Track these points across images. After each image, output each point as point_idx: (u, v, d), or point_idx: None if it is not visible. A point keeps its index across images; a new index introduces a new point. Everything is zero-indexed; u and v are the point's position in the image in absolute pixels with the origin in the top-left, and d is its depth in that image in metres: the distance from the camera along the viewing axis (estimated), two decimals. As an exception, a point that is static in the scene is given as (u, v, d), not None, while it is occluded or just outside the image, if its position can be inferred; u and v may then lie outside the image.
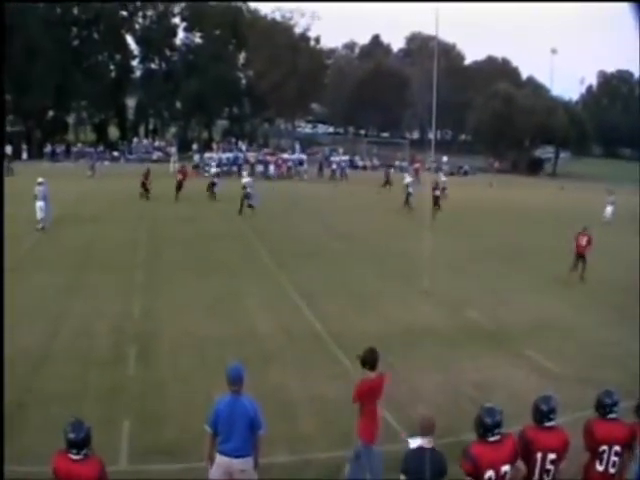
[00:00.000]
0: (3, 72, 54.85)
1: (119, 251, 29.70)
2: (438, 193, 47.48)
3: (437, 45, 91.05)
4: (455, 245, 35.60)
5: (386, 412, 14.02)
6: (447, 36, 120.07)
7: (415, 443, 8.84)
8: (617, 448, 9.48)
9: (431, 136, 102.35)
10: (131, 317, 20.11)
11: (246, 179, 46.25)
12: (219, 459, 9.72)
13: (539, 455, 9.00)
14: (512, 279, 28.92)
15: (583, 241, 30.53)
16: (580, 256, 30.11)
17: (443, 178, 56.66)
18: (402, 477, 8.54)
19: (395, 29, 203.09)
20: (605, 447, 9.47)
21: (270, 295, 23.33)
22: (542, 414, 9.20)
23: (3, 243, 19.55)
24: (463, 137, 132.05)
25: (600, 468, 9.52)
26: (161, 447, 12.32)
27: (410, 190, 51.52)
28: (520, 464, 8.95)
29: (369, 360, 11.01)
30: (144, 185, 46.63)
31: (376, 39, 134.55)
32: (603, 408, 9.59)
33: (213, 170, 53.84)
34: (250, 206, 42.21)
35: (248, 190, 43.62)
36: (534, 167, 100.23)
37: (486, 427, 8.57)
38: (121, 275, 25.19)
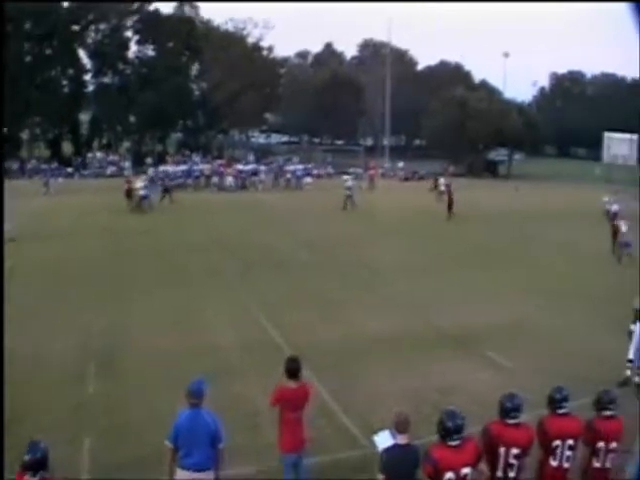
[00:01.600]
0: (3, 72, 54.57)
1: (80, 266, 29.55)
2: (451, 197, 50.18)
3: (390, 51, 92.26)
4: (416, 250, 35.94)
5: (346, 418, 14.37)
6: (400, 42, 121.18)
7: (385, 442, 9.07)
8: (570, 442, 9.75)
9: (385, 142, 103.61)
10: (93, 332, 20.05)
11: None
12: (180, 474, 9.69)
13: (502, 450, 9.27)
14: (475, 282, 29.02)
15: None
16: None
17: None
18: (380, 477, 8.70)
19: (347, 36, 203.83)
20: (558, 442, 9.73)
21: (232, 307, 23.34)
22: (506, 411, 9.45)
23: (3, 243, 19.46)
24: (418, 142, 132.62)
25: (554, 463, 9.78)
26: (123, 462, 12.30)
27: (350, 193, 52.87)
28: (483, 467, 9.18)
29: (289, 369, 10.94)
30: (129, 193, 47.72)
31: (329, 47, 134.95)
32: (554, 403, 9.89)
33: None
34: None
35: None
36: (489, 169, 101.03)
37: (447, 430, 8.73)
38: (84, 290, 25.05)
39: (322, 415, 14.17)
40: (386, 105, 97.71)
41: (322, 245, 36.28)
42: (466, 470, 8.72)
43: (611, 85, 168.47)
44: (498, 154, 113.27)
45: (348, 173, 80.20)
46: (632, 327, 17.62)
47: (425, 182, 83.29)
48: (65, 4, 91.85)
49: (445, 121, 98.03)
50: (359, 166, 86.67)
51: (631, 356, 17.41)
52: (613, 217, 41.58)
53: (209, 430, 9.65)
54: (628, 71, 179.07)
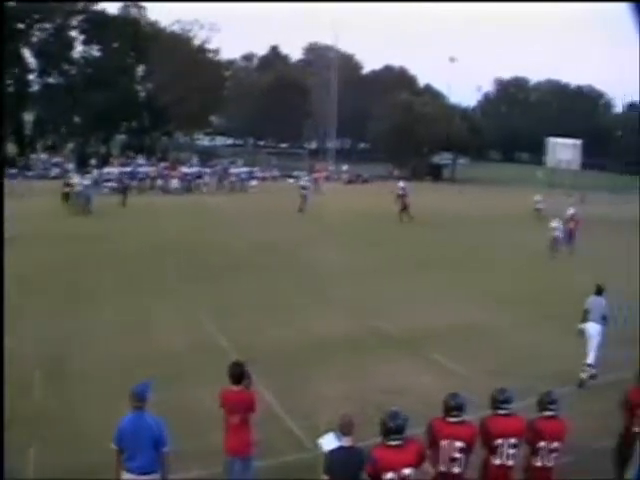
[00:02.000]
0: (3, 71, 53.82)
1: (31, 271, 28.66)
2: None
3: (335, 55, 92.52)
4: (365, 253, 36.32)
5: (292, 421, 14.48)
6: (345, 46, 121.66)
7: (330, 444, 9.18)
8: (513, 441, 9.99)
9: (330, 145, 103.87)
10: (41, 339, 19.72)
11: (304, 182, 53.82)
12: (125, 477, 9.65)
13: (445, 443, 9.57)
14: (422, 285, 29.30)
15: None
16: None
17: (303, 182, 57.77)
18: (324, 478, 8.82)
19: (293, 40, 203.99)
20: (501, 441, 9.97)
21: (183, 311, 23.29)
22: (449, 409, 9.72)
23: (3, 244, 19.32)
24: (362, 145, 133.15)
25: (497, 462, 10.04)
26: (71, 470, 12.19)
27: (305, 192, 53.83)
28: (427, 467, 9.46)
29: (232, 374, 10.97)
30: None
31: (275, 50, 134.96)
32: (496, 404, 10.17)
33: (76, 180, 51.90)
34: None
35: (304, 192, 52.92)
36: (433, 173, 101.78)
37: (388, 430, 8.90)
38: (33, 297, 24.48)
39: (268, 418, 14.09)
40: (331, 108, 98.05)
41: (270, 248, 36.24)
42: (407, 471, 8.86)
43: (555, 91, 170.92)
44: (442, 158, 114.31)
45: (292, 176, 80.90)
46: (580, 326, 18.59)
47: (370, 185, 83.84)
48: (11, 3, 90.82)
49: (390, 125, 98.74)
50: (304, 169, 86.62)
51: (590, 361, 18.34)
52: (570, 218, 43.96)
53: (152, 433, 9.64)
54: (573, 78, 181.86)
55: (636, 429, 11.84)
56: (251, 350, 17.68)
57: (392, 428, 8.93)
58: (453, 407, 9.78)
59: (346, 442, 8.97)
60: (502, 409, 10.16)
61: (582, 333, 18.72)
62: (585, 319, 18.70)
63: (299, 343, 20.09)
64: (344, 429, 9.02)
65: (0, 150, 51.12)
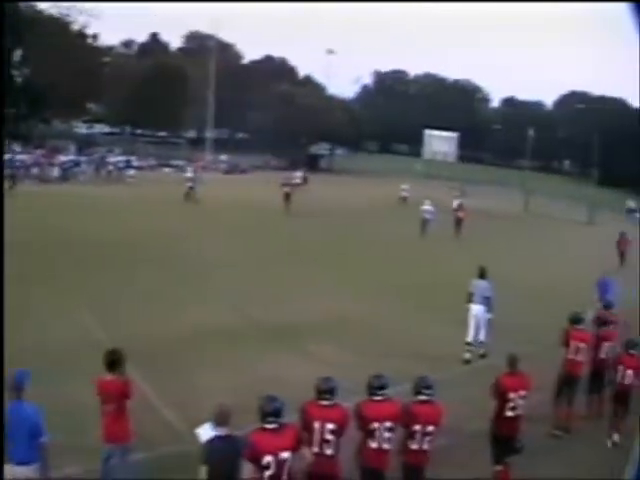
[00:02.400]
0: (3, 71, 52.28)
1: None
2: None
3: (215, 44, 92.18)
4: (243, 244, 36.50)
5: (170, 413, 14.64)
6: (226, 35, 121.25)
7: (207, 434, 9.43)
8: (388, 424, 10.44)
9: (209, 135, 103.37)
10: None
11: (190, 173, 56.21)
12: (6, 468, 9.45)
13: (317, 425, 9.95)
14: (298, 277, 29.75)
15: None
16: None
17: (189, 174, 58.55)
18: (202, 468, 8.93)
19: (174, 27, 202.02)
20: (376, 425, 10.40)
21: (62, 305, 22.80)
22: (320, 392, 10.17)
23: (3, 244, 19.04)
24: (241, 135, 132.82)
25: (374, 445, 10.47)
26: None
27: (192, 184, 54.48)
28: (305, 451, 9.72)
29: (106, 362, 11.00)
30: None
31: (155, 37, 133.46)
32: (371, 390, 10.60)
33: None
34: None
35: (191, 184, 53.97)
36: (311, 163, 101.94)
37: (264, 414, 9.22)
38: None
39: (147, 410, 14.29)
40: (210, 97, 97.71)
41: (147, 239, 35.99)
42: (285, 454, 9.14)
43: (433, 84, 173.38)
44: (320, 148, 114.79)
45: (170, 165, 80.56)
46: (467, 306, 20.83)
47: (248, 175, 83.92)
48: None
49: (268, 115, 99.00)
50: (182, 158, 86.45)
51: (469, 339, 20.54)
52: (457, 208, 50.27)
53: (30, 423, 9.53)
54: (451, 72, 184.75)
55: (508, 414, 12.52)
56: (129, 342, 17.36)
57: (268, 411, 9.25)
58: (325, 390, 10.18)
59: (223, 431, 9.17)
60: (377, 395, 10.59)
61: (468, 314, 20.74)
62: (469, 301, 20.80)
63: (177, 335, 20.22)
64: (220, 419, 9.23)
65: (0, 148, 49.72)
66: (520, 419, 12.71)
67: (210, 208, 49.91)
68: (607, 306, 19.61)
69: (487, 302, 20.65)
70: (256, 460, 9.08)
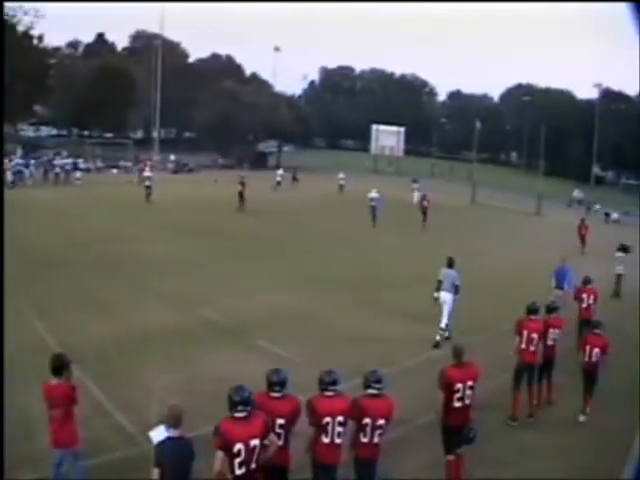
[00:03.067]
0: (3, 71, 51.36)
1: None
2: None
3: (161, 43, 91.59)
4: (191, 243, 36.41)
5: (122, 416, 14.58)
6: (172, 34, 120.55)
7: (160, 435, 9.40)
8: (340, 419, 10.63)
9: (156, 135, 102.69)
10: None
11: (148, 172, 56.07)
12: None
13: (267, 418, 9.88)
14: (247, 273, 30.00)
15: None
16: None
17: (147, 173, 58.50)
18: (155, 470, 9.06)
19: (119, 27, 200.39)
20: (328, 419, 10.58)
21: (6, 310, 22.17)
22: (271, 384, 10.41)
23: (3, 244, 18.76)
24: (188, 134, 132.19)
25: (326, 440, 10.65)
26: None
27: (149, 183, 54.48)
28: (272, 437, 9.82)
29: (51, 366, 11.01)
30: None
31: (101, 37, 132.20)
32: (322, 385, 10.79)
33: None
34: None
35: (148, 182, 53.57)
36: (259, 161, 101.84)
37: (233, 403, 9.43)
38: None
39: (97, 414, 14.33)
40: (157, 97, 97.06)
41: (95, 242, 35.68)
42: (255, 442, 9.36)
43: (380, 79, 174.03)
44: (268, 146, 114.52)
45: (118, 167, 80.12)
46: (435, 295, 22.07)
47: (196, 175, 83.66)
48: None
49: (215, 114, 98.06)
50: (129, 159, 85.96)
51: (443, 325, 21.77)
52: (422, 198, 54.37)
53: None
54: (397, 67, 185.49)
55: (456, 404, 12.71)
56: (79, 346, 17.67)
57: (237, 400, 9.44)
58: (275, 382, 10.38)
59: (175, 433, 9.27)
60: (329, 390, 10.76)
61: (436, 300, 22.09)
62: (439, 288, 22.04)
63: (127, 337, 20.19)
64: (172, 420, 9.31)
65: None
66: (469, 409, 12.89)
67: (159, 208, 49.83)
68: (585, 282, 22.30)
69: (455, 290, 21.99)
70: (227, 448, 9.24)
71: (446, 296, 22.05)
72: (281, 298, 25.85)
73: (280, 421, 10.24)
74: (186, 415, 9.44)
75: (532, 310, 16.80)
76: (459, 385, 12.68)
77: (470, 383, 12.77)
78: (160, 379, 16.64)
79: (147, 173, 58.22)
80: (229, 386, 9.78)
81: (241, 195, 52.68)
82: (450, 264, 22.54)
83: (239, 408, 9.44)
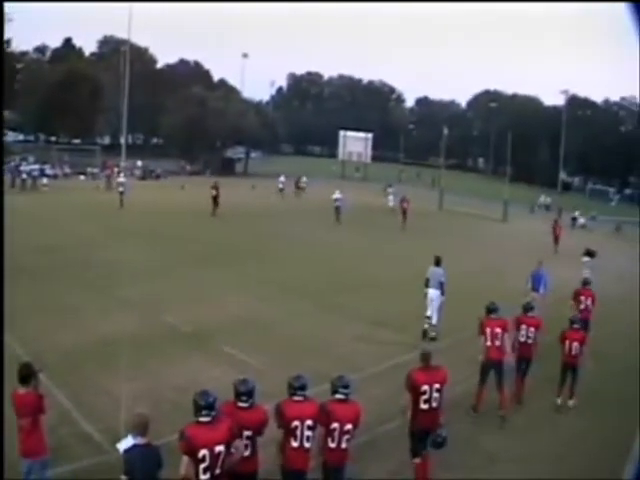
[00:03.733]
0: (3, 72, 50.99)
1: None
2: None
3: (129, 48, 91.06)
4: (156, 250, 36.25)
5: (88, 425, 14.47)
6: (140, 40, 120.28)
7: (127, 443, 9.43)
8: (309, 423, 10.72)
9: (123, 141, 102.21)
10: None
11: (122, 179, 56.93)
12: None
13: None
14: (211, 280, 29.89)
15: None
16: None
17: (122, 179, 58.44)
18: (123, 478, 9.04)
19: (87, 32, 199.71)
20: (297, 423, 10.66)
21: None
22: (238, 394, 10.46)
23: (3, 243, 18.62)
24: (155, 140, 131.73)
25: (295, 444, 10.72)
26: None
27: (122, 189, 54.68)
28: (238, 443, 9.93)
29: (19, 376, 11.04)
30: None
31: (68, 42, 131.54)
32: (291, 390, 10.95)
33: None
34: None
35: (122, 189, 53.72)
36: (226, 167, 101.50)
37: (198, 408, 9.50)
38: None
39: (63, 423, 14.25)
40: (124, 103, 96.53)
41: (62, 249, 35.40)
42: (220, 448, 9.44)
43: (348, 86, 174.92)
44: (235, 152, 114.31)
45: (85, 173, 79.81)
46: (425, 291, 23.48)
47: (163, 181, 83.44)
48: None
49: (182, 119, 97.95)
50: (96, 165, 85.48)
51: (434, 322, 23.27)
52: (402, 200, 57.96)
53: None
54: (365, 73, 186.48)
55: (423, 407, 12.83)
56: (46, 355, 17.30)
57: (202, 405, 9.52)
58: (243, 393, 10.45)
59: (141, 441, 9.24)
60: (297, 395, 10.85)
61: (425, 296, 23.42)
62: (427, 285, 23.47)
63: (93, 345, 20.00)
64: (138, 428, 9.30)
65: (0, 149, 48.57)
66: (437, 412, 12.99)
67: (127, 214, 49.56)
68: (585, 283, 23.26)
69: (441, 287, 23.36)
70: (192, 453, 9.28)
71: (433, 293, 23.35)
72: (246, 304, 25.79)
73: (247, 432, 10.30)
74: (152, 422, 9.44)
75: (491, 310, 17.39)
76: (425, 387, 12.82)
77: (437, 386, 12.89)
78: (126, 387, 16.14)
79: (121, 179, 58.39)
80: (194, 393, 9.80)
81: (215, 200, 53.02)
82: (437, 262, 23.87)
83: (204, 413, 9.50)
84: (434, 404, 12.91)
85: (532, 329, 17.90)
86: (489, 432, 16.08)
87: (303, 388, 10.96)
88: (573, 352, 17.72)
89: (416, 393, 12.86)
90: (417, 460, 13.12)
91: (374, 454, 14.01)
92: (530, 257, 28.51)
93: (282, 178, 75.84)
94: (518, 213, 73.98)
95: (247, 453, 10.28)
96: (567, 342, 17.84)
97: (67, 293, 26.48)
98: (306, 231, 46.83)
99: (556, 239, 49.86)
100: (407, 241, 46.35)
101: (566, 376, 17.97)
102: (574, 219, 73.98)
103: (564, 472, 14.24)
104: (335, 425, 10.99)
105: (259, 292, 28.03)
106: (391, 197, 68.84)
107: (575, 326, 18.17)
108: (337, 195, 56.51)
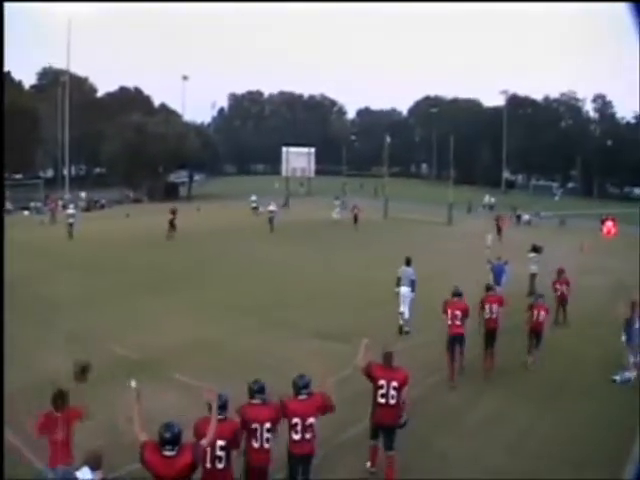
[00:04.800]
0: (3, 74, 50.85)
1: None
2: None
3: (69, 79, 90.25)
4: (103, 280, 35.90)
5: (38, 462, 13.87)
6: (78, 69, 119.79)
7: (85, 476, 9.55)
8: (267, 425, 11.44)
9: (65, 172, 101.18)
10: None
11: (71, 210, 57.12)
12: None
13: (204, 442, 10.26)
14: (158, 306, 29.81)
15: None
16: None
17: (71, 211, 58.12)
18: None
19: (26, 65, 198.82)
20: (256, 425, 11.36)
21: None
22: (222, 407, 11.04)
23: (3, 246, 18.33)
24: (98, 170, 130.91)
25: (256, 445, 11.40)
26: None
27: (72, 220, 54.28)
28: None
29: (54, 400, 12.08)
30: None
31: (7, 76, 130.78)
32: (250, 394, 11.89)
33: None
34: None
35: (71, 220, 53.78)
36: (170, 192, 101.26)
37: (163, 441, 9.55)
38: None
39: (16, 464, 14.01)
40: (65, 134, 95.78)
41: (9, 284, 33.81)
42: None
43: (288, 102, 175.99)
44: (178, 176, 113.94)
45: (28, 208, 79.07)
46: (396, 290, 25.98)
47: (107, 210, 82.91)
48: None
49: (122, 147, 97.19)
50: (39, 199, 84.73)
51: (407, 316, 25.54)
52: (353, 207, 64.21)
53: None
54: (306, 88, 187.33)
55: (379, 400, 13.68)
56: None
57: (166, 438, 9.55)
58: (220, 405, 10.93)
59: (97, 475, 9.45)
60: (255, 398, 11.81)
61: (397, 294, 25.77)
62: (398, 284, 25.86)
63: (37, 380, 19.38)
64: (92, 463, 9.52)
65: (0, 155, 48.20)
66: (394, 410, 13.75)
67: (75, 246, 49.13)
68: (559, 273, 28.36)
69: (412, 285, 25.72)
70: None
71: (404, 290, 25.67)
72: (194, 328, 25.70)
73: (220, 442, 10.68)
74: (107, 456, 9.48)
75: (455, 294, 20.83)
76: (382, 382, 13.66)
77: (395, 384, 13.61)
78: (77, 423, 16.43)
79: (70, 210, 57.95)
80: (148, 420, 9.81)
81: (171, 223, 53.60)
82: (408, 262, 26.41)
83: (168, 447, 9.53)
84: (391, 401, 13.64)
85: (495, 305, 21.25)
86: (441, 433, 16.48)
87: (260, 391, 11.85)
88: (540, 319, 22.13)
89: (374, 386, 13.78)
90: (373, 442, 14.23)
91: (324, 467, 14.00)
92: (476, 257, 29.25)
93: (253, 197, 78.91)
94: (463, 215, 74.67)
95: (221, 466, 10.75)
96: (535, 312, 22.10)
97: (15, 329, 26.01)
98: (252, 249, 46.91)
99: (499, 230, 56.41)
100: (353, 252, 46.67)
101: (533, 340, 22.15)
102: (518, 217, 75.03)
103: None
104: (297, 420, 11.92)
105: (208, 315, 27.98)
106: (337, 209, 71.10)
107: (540, 300, 22.63)
108: (272, 207, 61.37)
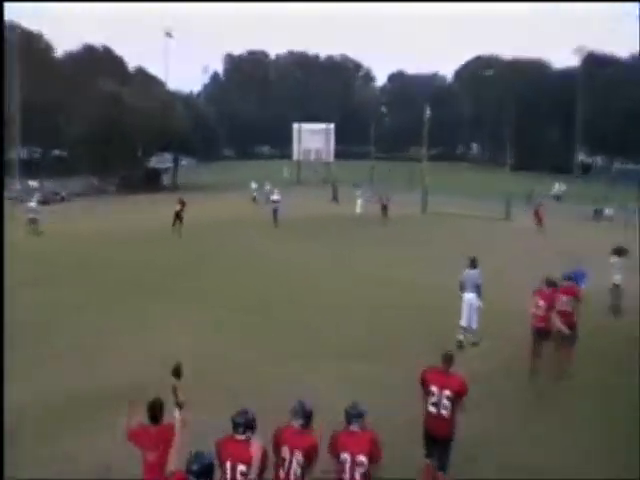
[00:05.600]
0: (3, 74, 51.41)
1: None
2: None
3: (17, 36, 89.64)
4: (72, 286, 35.58)
5: None
6: (31, 24, 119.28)
7: None
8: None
9: (14, 156, 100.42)
10: None
11: (33, 204, 56.35)
12: None
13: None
14: (144, 314, 29.94)
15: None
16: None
17: (32, 204, 57.24)
18: None
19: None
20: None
21: None
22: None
23: (3, 245, 18.42)
24: (57, 153, 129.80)
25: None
26: None
27: (34, 216, 54.49)
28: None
29: (150, 413, 12.14)
30: None
31: None
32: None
33: None
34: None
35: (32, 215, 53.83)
36: (150, 181, 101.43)
37: (191, 472, 9.99)
38: None
39: None
40: (13, 106, 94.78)
41: None
42: None
43: (300, 64, 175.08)
44: (162, 160, 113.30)
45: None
46: (460, 294, 26.20)
47: (71, 204, 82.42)
48: None
49: (89, 123, 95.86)
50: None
51: (463, 323, 25.96)
52: (380, 199, 64.76)
53: None
54: (321, 47, 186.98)
55: (430, 409, 14.39)
56: None
57: (195, 471, 9.98)
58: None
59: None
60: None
61: (461, 301, 26.11)
62: (461, 289, 26.26)
63: (18, 407, 19.24)
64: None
65: (0, 153, 48.50)
66: (445, 422, 14.40)
67: (33, 246, 48.80)
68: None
69: (478, 290, 26.02)
70: None
71: (469, 297, 26.01)
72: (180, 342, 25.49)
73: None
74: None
75: (549, 283, 22.44)
76: (434, 388, 14.41)
77: (447, 393, 14.27)
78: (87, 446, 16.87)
79: (31, 203, 57.04)
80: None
81: (178, 215, 54.99)
82: (473, 264, 26.54)
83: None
84: (442, 412, 14.31)
85: (568, 297, 22.38)
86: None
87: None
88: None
89: (425, 392, 14.54)
90: (427, 461, 14.76)
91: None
92: (540, 257, 28.74)
93: (253, 185, 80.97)
94: (524, 209, 73.77)
95: None
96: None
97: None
98: (251, 249, 46.75)
99: (539, 221, 61.95)
100: (384, 252, 46.14)
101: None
102: (597, 211, 73.91)
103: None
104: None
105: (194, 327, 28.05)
106: (359, 202, 70.56)
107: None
108: (275, 197, 62.44)
